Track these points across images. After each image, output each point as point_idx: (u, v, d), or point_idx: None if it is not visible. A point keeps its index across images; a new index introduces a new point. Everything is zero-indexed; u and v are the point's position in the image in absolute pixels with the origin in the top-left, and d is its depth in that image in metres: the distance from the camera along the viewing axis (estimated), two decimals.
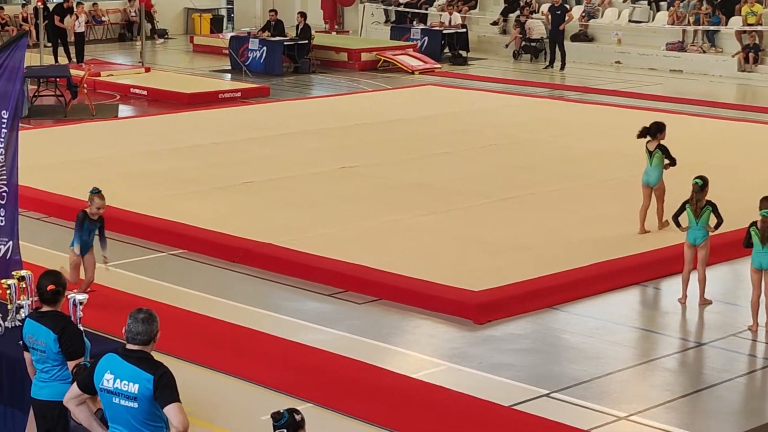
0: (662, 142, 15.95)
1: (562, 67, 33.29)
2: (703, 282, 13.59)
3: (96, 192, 12.91)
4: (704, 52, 33.26)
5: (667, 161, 15.91)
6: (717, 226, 13.57)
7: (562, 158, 20.85)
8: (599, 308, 13.60)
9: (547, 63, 33.87)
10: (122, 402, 7.36)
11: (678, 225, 13.87)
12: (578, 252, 14.99)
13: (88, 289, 12.54)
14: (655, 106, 26.57)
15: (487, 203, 17.67)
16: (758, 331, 12.77)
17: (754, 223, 12.68)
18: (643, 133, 16.13)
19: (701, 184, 13.52)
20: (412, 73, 32.50)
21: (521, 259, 14.81)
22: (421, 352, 12.29)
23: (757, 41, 32.22)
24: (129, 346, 7.44)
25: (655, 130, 16.04)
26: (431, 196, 18.07)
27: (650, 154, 15.95)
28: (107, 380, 7.41)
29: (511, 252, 15.13)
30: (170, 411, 7.25)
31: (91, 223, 12.86)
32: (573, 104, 27.34)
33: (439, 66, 33.44)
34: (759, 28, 32.22)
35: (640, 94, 28.78)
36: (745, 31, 32.43)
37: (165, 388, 7.28)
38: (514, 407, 10.73)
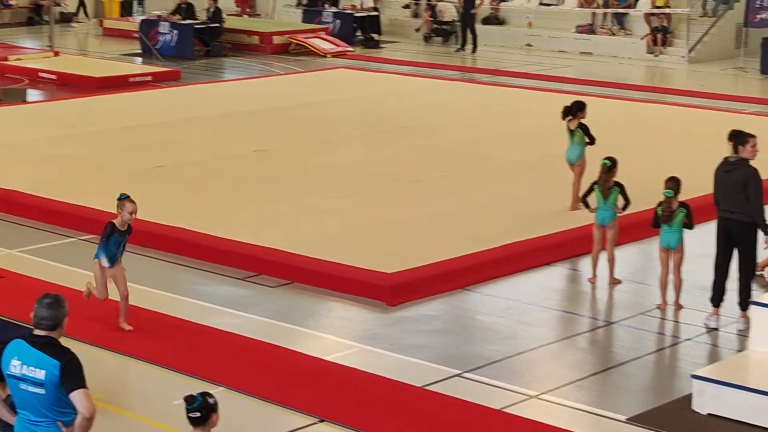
0: (583, 121, 16.19)
1: (474, 50, 33.44)
2: (612, 262, 13.77)
3: (125, 197, 11.77)
4: (613, 34, 33.60)
5: (587, 140, 16.12)
6: (625, 207, 13.75)
7: (473, 140, 20.97)
8: (511, 289, 13.72)
9: (459, 46, 34.00)
10: (29, 388, 7.30)
11: (586, 205, 14.04)
12: (490, 233, 15.10)
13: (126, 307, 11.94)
14: (566, 88, 26.80)
15: (399, 185, 17.73)
16: (666, 310, 12.97)
17: (660, 203, 12.86)
18: (565, 113, 16.34)
19: (609, 165, 13.69)
20: (324, 56, 32.46)
21: (433, 240, 14.88)
22: (334, 335, 12.32)
23: (665, 23, 32.60)
24: (36, 332, 7.38)
25: (576, 109, 16.30)
26: (344, 178, 18.09)
27: (571, 133, 16.19)
28: (14, 366, 7.35)
29: (423, 234, 15.20)
30: (76, 397, 7.21)
31: (121, 235, 11.77)
32: (484, 87, 27.49)
33: (351, 49, 33.41)
34: (667, 10, 32.61)
35: (550, 77, 29.02)
36: (653, 14, 32.81)
37: (71, 374, 7.23)
38: (426, 388, 10.81)
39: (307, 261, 13.97)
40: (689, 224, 12.80)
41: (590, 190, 13.90)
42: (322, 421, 10.16)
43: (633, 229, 15.02)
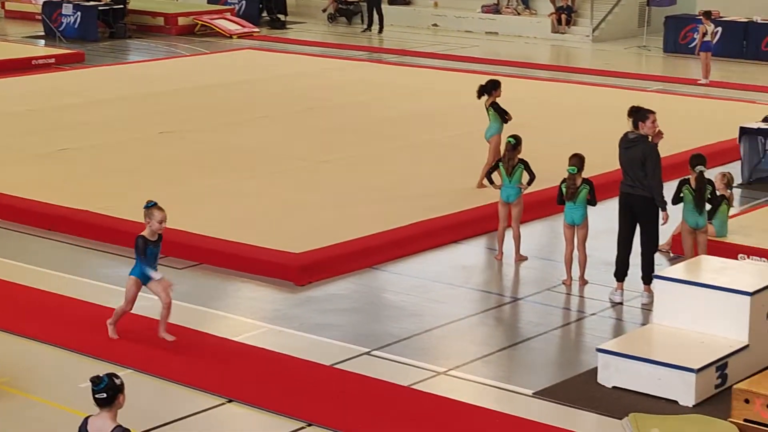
0: (498, 99, 16.38)
1: (380, 31, 33.47)
2: (517, 239, 13.89)
3: (152, 205, 11.00)
4: (519, 14, 33.82)
5: (504, 117, 16.36)
6: (529, 183, 13.88)
7: (381, 120, 21.01)
8: (418, 267, 13.79)
9: (365, 26, 34.00)
10: None
11: (491, 183, 14.15)
12: (398, 212, 15.15)
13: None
14: (472, 68, 26.95)
15: (307, 166, 17.71)
16: (572, 285, 13.11)
17: (565, 180, 13.00)
18: (480, 92, 16.50)
19: (514, 143, 13.80)
20: (230, 37, 32.29)
21: (341, 220, 14.90)
22: (243, 315, 12.30)
23: (570, 3, 32.88)
24: None
25: (491, 88, 16.47)
26: (251, 159, 18.03)
27: (487, 110, 16.32)
28: None
29: (332, 213, 15.21)
30: None
31: (155, 246, 11.04)
32: (391, 67, 27.53)
33: (257, 30, 33.28)
34: None
35: (457, 56, 29.16)
36: None
37: None
38: (336, 366, 10.83)
39: (214, 242, 13.92)
40: (592, 200, 12.95)
41: (495, 167, 14.02)
42: (230, 401, 10.14)
43: (538, 206, 15.18)
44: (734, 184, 14.16)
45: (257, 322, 12.05)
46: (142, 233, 10.98)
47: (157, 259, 11.10)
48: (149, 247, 10.95)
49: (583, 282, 13.13)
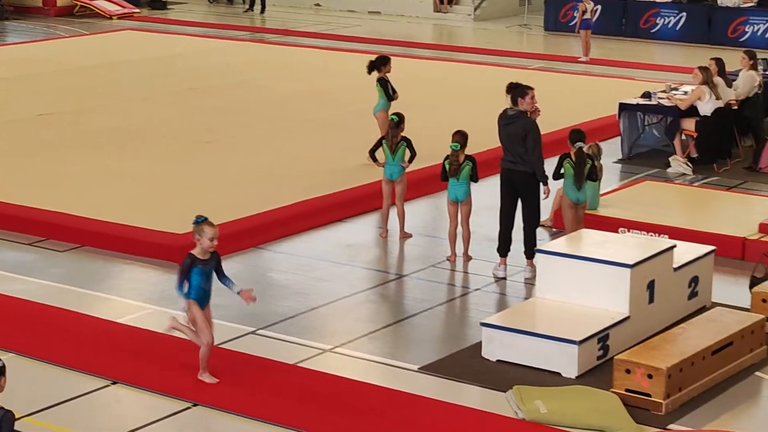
0: (387, 75, 16.50)
1: (262, 11, 33.31)
2: (402, 216, 13.95)
3: (202, 220, 9.94)
4: None
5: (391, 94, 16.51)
6: (411, 160, 13.94)
7: (265, 100, 20.93)
8: (303, 246, 13.78)
9: (247, 6, 33.79)
10: None
11: (375, 160, 14.19)
12: (283, 191, 15.13)
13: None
14: (355, 47, 26.96)
15: (191, 147, 17.58)
16: (456, 261, 13.21)
17: (448, 157, 13.08)
18: (369, 67, 16.60)
19: (397, 121, 13.85)
20: (110, 18, 31.88)
21: (226, 200, 14.81)
22: (127, 297, 12.19)
23: None
24: None
25: (380, 63, 16.58)
26: (133, 141, 17.84)
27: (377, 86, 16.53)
28: None
29: (217, 194, 15.12)
30: None
31: (206, 265, 9.90)
32: (274, 47, 27.43)
33: (137, 11, 32.90)
34: None
35: (340, 36, 29.13)
36: None
37: None
38: (221, 346, 10.77)
39: (96, 224, 13.76)
40: (474, 177, 13.04)
41: (378, 145, 14.06)
42: (115, 383, 10.05)
43: (422, 184, 15.26)
44: (601, 157, 14.33)
45: (141, 304, 11.94)
46: (193, 251, 9.89)
47: (211, 279, 9.95)
48: (198, 267, 9.81)
49: (467, 258, 13.23)
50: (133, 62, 24.69)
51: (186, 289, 9.85)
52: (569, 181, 12.91)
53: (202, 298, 9.93)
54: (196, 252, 9.89)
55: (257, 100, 20.94)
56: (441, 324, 11.68)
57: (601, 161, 14.35)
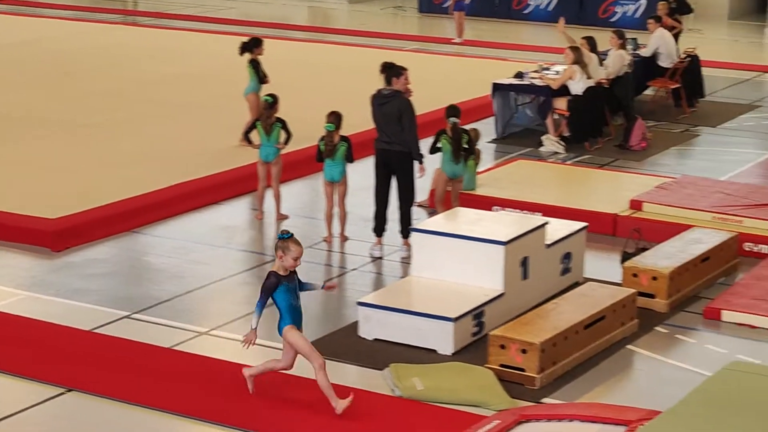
0: (259, 57, 16.46)
1: None
2: (278, 198, 13.93)
3: (289, 236, 9.26)
4: None
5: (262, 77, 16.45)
6: (286, 141, 13.92)
7: (139, 83, 20.71)
8: (179, 229, 13.68)
9: None
10: None
11: (249, 142, 14.14)
12: (158, 174, 15.00)
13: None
14: (229, 29, 26.79)
15: (65, 130, 17.34)
16: (333, 242, 13.23)
17: (323, 137, 13.08)
18: (242, 49, 16.55)
19: (271, 102, 13.82)
20: None
21: (100, 184, 14.65)
22: None
23: None
24: None
25: (252, 45, 16.52)
26: (4, 125, 17.54)
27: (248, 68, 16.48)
28: None
29: (90, 178, 14.95)
30: None
31: (291, 281, 9.26)
32: (147, 30, 27.15)
33: None
34: None
35: (213, 19, 28.94)
36: None
37: None
38: (95, 330, 10.66)
39: None
40: (349, 157, 13.07)
41: (252, 126, 14.01)
42: None
43: (298, 165, 15.27)
44: (478, 141, 14.47)
45: (13, 290, 11.75)
46: (274, 269, 9.27)
47: (299, 294, 9.33)
48: (284, 284, 9.19)
49: (344, 238, 13.26)
50: (3, 46, 24.22)
51: (260, 312, 9.20)
52: (446, 156, 13.05)
53: (297, 319, 9.24)
54: (277, 269, 9.21)
55: (131, 83, 20.71)
56: (318, 304, 11.67)
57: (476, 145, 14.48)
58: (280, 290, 9.19)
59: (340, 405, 9.09)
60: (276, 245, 9.26)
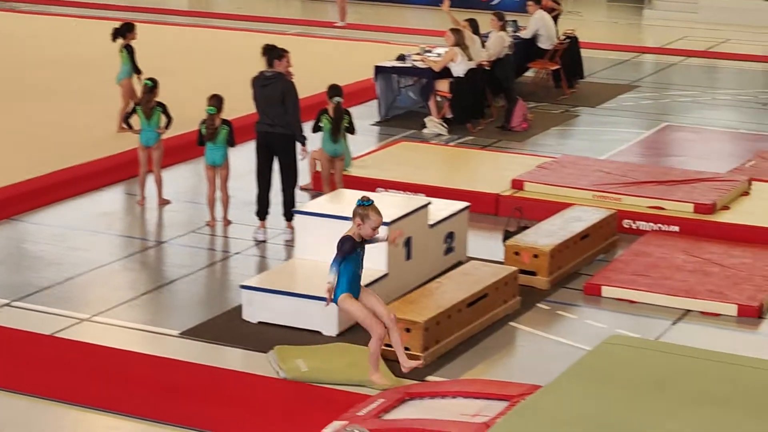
0: (132, 42, 16.29)
1: None
2: (159, 183, 13.81)
3: (370, 203, 9.02)
4: None
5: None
6: (167, 126, 13.81)
7: (12, 69, 20.39)
8: (59, 216, 13.50)
9: None
10: None
11: (129, 127, 14.00)
12: (35, 161, 14.79)
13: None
14: (106, 15, 26.46)
15: None
16: (216, 226, 13.16)
17: (204, 121, 13.01)
18: (114, 34, 16.38)
19: (151, 86, 13.69)
20: None
21: None
22: None
23: None
24: None
25: (125, 30, 16.37)
26: None
27: (120, 53, 16.30)
28: None
29: None
30: None
31: (362, 249, 9.10)
32: (25, 16, 26.71)
33: None
34: None
35: (90, 4, 28.57)
36: None
37: None
38: None
39: None
40: (231, 141, 13.02)
41: (132, 111, 13.87)
42: None
43: (180, 150, 15.15)
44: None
45: None
46: (349, 233, 9.00)
47: (362, 265, 9.09)
48: (357, 251, 8.97)
49: (227, 222, 13.20)
50: None
51: (337, 271, 8.91)
52: (327, 135, 13.09)
53: (355, 287, 9.03)
54: (353, 235, 8.93)
55: (5, 69, 20.35)
56: (202, 289, 11.62)
57: (355, 124, 14.52)
58: (348, 258, 8.96)
59: (375, 378, 9.14)
60: (355, 212, 8.99)
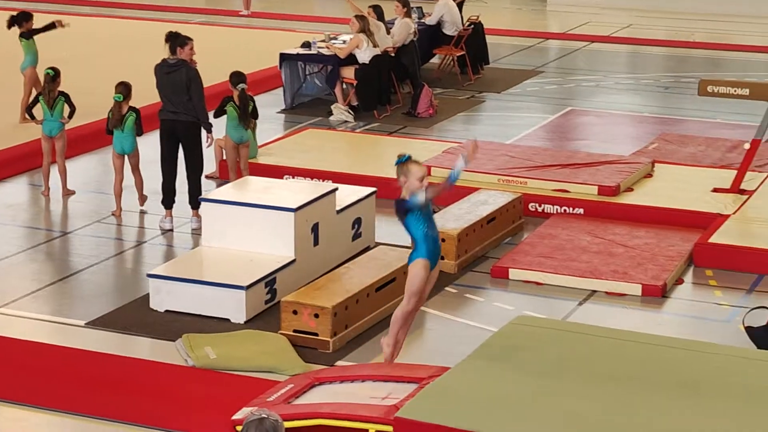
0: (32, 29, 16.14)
1: None
2: (63, 173, 13.67)
3: (407, 158, 8.72)
4: None
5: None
6: (70, 116, 13.67)
7: None
8: None
9: None
10: None
11: (32, 117, 13.83)
12: None
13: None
14: (10, 6, 26.09)
15: None
16: (122, 216, 13.05)
17: (111, 109, 12.90)
18: (10, 23, 16.20)
19: (53, 75, 13.53)
20: None
21: None
22: None
23: None
24: None
25: (21, 18, 16.18)
26: None
27: (20, 41, 16.12)
28: None
29: None
30: None
31: (425, 206, 8.71)
32: None
33: None
34: None
35: None
36: None
37: None
38: None
39: None
40: (139, 129, 12.92)
41: (35, 101, 13.71)
42: None
43: (85, 140, 15.01)
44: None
45: None
46: (402, 196, 8.64)
47: (434, 225, 8.75)
48: (417, 211, 8.61)
49: (143, 199, 13.11)
50: None
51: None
52: (233, 122, 13.07)
53: (433, 251, 8.63)
54: (404, 195, 8.54)
55: None
56: (108, 278, 11.53)
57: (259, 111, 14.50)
58: (411, 218, 8.58)
59: (386, 351, 9.05)
60: (397, 173, 8.69)
